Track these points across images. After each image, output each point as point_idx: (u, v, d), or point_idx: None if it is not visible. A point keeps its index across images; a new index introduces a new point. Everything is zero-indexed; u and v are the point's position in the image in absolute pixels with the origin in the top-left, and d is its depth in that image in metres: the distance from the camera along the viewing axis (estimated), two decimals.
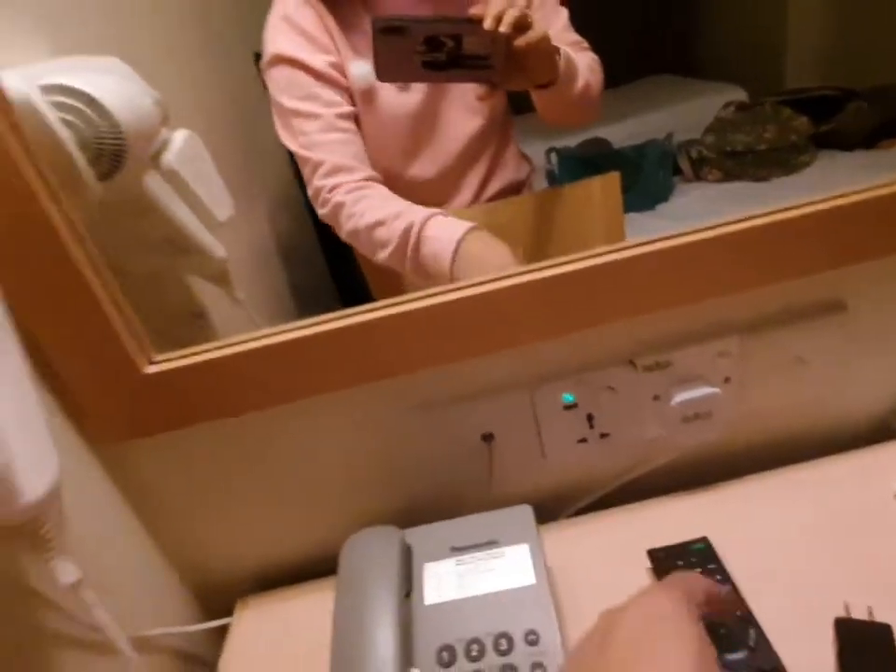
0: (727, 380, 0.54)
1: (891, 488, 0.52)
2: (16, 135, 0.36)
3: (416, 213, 0.65)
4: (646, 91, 1.32)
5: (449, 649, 0.43)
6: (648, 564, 0.50)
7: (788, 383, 0.55)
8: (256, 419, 0.48)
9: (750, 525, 0.51)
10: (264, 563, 0.57)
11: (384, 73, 0.56)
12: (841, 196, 0.48)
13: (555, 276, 0.47)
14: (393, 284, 0.74)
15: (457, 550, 0.48)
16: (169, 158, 0.51)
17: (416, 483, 0.55)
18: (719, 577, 0.47)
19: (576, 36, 0.72)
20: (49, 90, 0.42)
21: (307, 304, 0.91)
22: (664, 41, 1.30)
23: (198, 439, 0.49)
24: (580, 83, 0.66)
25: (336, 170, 0.68)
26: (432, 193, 0.76)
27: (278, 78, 0.67)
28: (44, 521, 0.30)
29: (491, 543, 0.47)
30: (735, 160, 1.22)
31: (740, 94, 1.24)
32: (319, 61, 0.66)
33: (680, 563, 0.49)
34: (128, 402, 0.43)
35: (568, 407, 0.53)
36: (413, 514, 0.52)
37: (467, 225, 0.63)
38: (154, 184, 0.49)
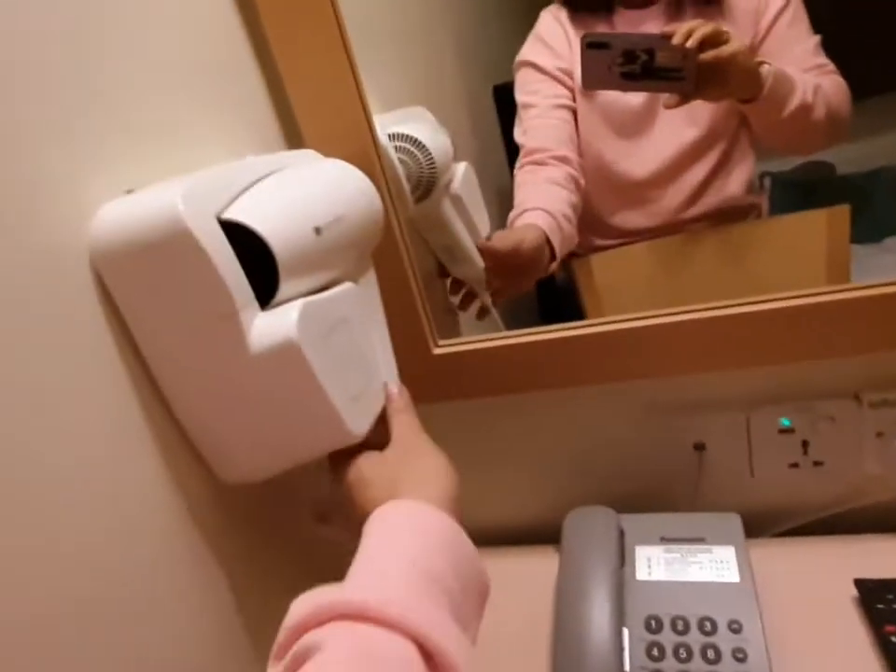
0: None
1: None
2: (382, 168, 0.50)
3: (523, 204, 0.70)
4: (879, 111, 1.23)
5: (656, 619, 0.50)
6: (853, 593, 0.52)
7: None
8: (514, 401, 0.59)
9: None
10: (487, 524, 0.69)
11: (587, 81, 0.66)
12: None
13: (783, 308, 0.51)
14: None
15: (666, 540, 0.54)
16: (455, 186, 0.64)
17: (631, 477, 0.62)
18: None
19: (819, 60, 0.72)
20: (392, 136, 0.56)
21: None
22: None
23: (464, 411, 0.61)
24: (793, 103, 0.67)
25: (529, 151, 0.75)
26: (640, 193, 0.80)
27: (517, 80, 0.78)
28: None
29: (699, 540, 0.53)
30: None
31: None
32: (548, 62, 0.76)
33: (890, 596, 0.50)
34: (419, 375, 0.57)
35: (784, 431, 0.57)
36: (624, 503, 0.59)
37: (528, 223, 0.68)
38: (446, 206, 0.63)
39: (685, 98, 0.65)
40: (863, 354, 0.52)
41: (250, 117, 0.48)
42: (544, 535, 0.63)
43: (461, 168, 0.68)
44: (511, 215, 0.71)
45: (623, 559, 0.53)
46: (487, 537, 0.69)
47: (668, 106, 0.66)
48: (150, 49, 0.38)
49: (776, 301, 0.52)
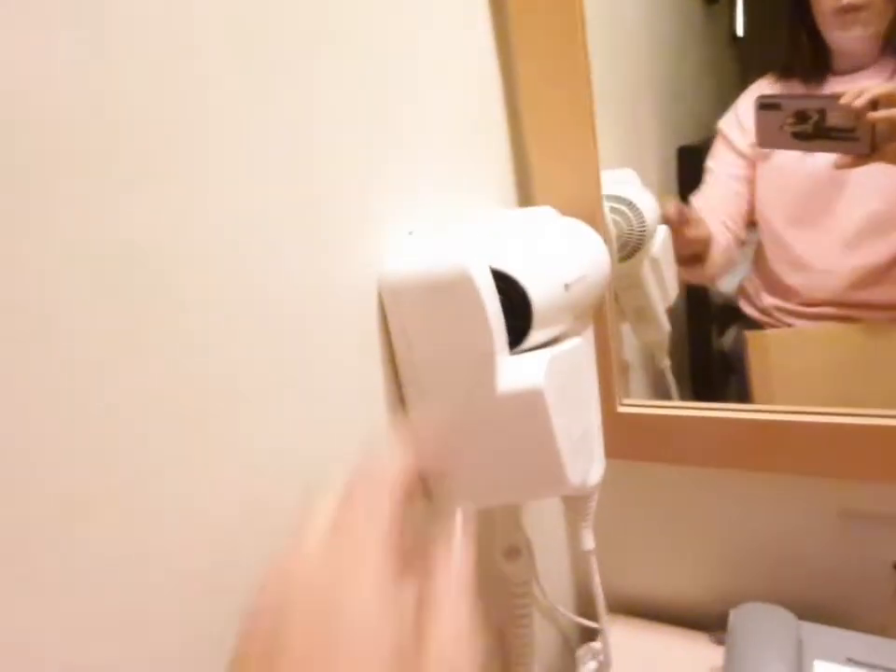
0: None
1: None
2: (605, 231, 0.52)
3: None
4: None
5: None
6: None
7: None
8: (689, 472, 0.58)
9: None
10: (636, 592, 0.67)
11: (762, 140, 0.67)
12: None
13: None
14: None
15: (854, 662, 0.49)
16: (655, 249, 0.65)
17: (814, 583, 0.58)
18: None
19: None
20: (607, 197, 0.58)
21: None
22: None
23: (641, 472, 0.61)
24: None
25: (701, 209, 0.76)
26: (809, 261, 0.78)
27: (714, 145, 0.80)
28: (592, 498, 0.44)
29: (884, 667, 0.48)
30: None
31: None
32: (736, 133, 0.76)
33: None
34: (605, 429, 0.57)
35: None
36: (802, 611, 0.55)
37: None
38: (645, 268, 0.63)
39: (860, 159, 0.65)
40: None
41: (496, 173, 0.51)
42: (701, 621, 0.60)
43: (661, 231, 0.68)
44: None
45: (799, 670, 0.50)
46: (636, 605, 0.67)
47: (840, 167, 0.66)
48: (429, 111, 0.43)
49: None
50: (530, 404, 0.35)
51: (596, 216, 0.51)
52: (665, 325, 0.67)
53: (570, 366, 0.38)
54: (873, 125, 0.62)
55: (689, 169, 1.03)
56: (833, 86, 0.76)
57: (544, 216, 0.45)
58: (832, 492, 0.55)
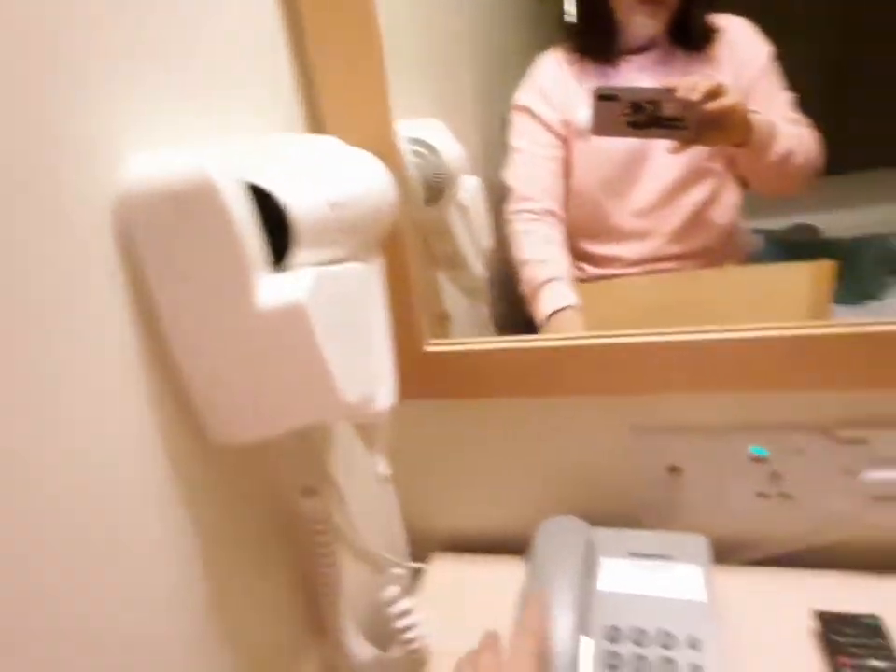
0: None
1: None
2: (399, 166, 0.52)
3: (544, 271, 0.77)
4: (874, 182, 1.29)
5: (616, 630, 0.50)
6: (811, 624, 0.53)
7: None
8: (501, 405, 0.61)
9: None
10: (460, 529, 0.69)
11: (597, 129, 0.71)
12: None
13: (764, 338, 0.54)
14: None
15: (634, 555, 0.55)
16: (464, 196, 0.67)
17: (607, 493, 0.64)
18: (885, 652, 0.49)
19: (795, 114, 0.79)
20: (410, 140, 0.59)
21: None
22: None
23: (447, 411, 0.63)
24: (779, 149, 0.75)
25: (523, 198, 0.81)
26: (631, 228, 0.85)
27: (514, 123, 0.83)
28: (382, 424, 0.44)
29: (665, 557, 0.54)
30: None
31: None
32: (546, 112, 0.81)
33: (848, 630, 0.52)
34: (410, 371, 0.58)
35: (757, 460, 0.59)
36: (596, 519, 0.60)
37: (562, 304, 0.75)
38: (453, 214, 0.65)
39: (687, 144, 0.72)
40: (838, 390, 0.54)
41: (279, 99, 0.50)
42: (518, 544, 0.64)
43: (471, 181, 0.70)
44: (532, 275, 0.78)
45: (589, 570, 0.54)
46: (461, 541, 0.70)
47: (672, 152, 0.73)
48: (189, 14, 0.40)
49: (759, 330, 0.54)
50: (293, 320, 0.34)
51: (389, 152, 0.51)
52: (479, 272, 0.70)
53: (346, 288, 0.38)
54: (697, 114, 0.68)
55: None
56: (621, 65, 0.83)
57: (323, 142, 0.45)
58: (623, 408, 0.60)
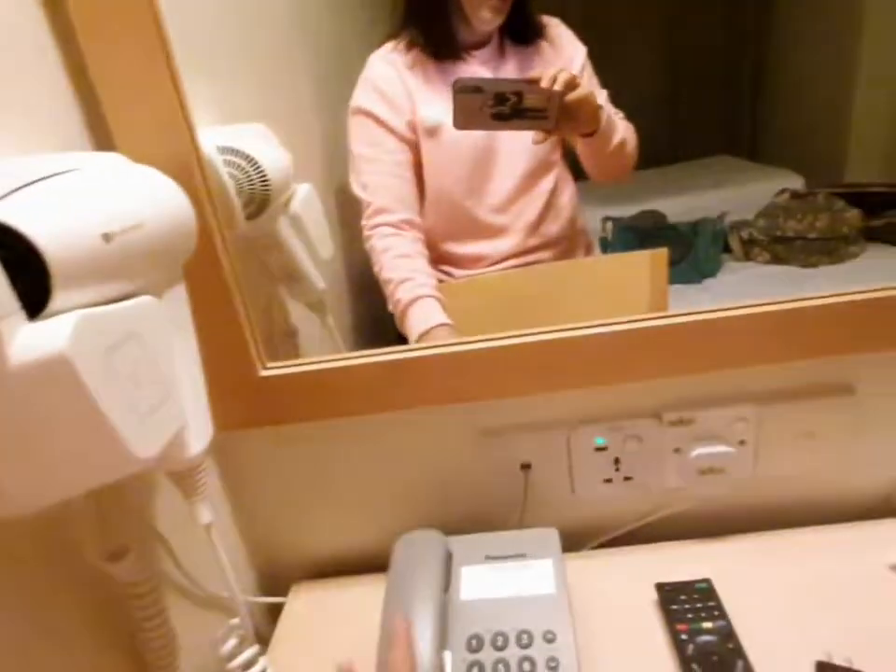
0: (742, 442, 0.61)
1: (886, 561, 0.58)
2: (206, 180, 0.48)
3: (410, 289, 0.77)
4: (709, 169, 1.41)
5: (477, 638, 0.50)
6: (654, 596, 0.57)
7: (798, 453, 0.62)
8: (346, 426, 0.58)
9: (750, 574, 0.58)
10: (322, 553, 0.66)
11: (460, 122, 0.70)
12: (861, 292, 0.56)
13: (593, 336, 0.56)
14: None
15: (491, 558, 0.56)
16: (295, 205, 0.63)
17: (464, 500, 0.64)
18: (716, 613, 0.54)
19: (613, 109, 0.85)
20: (222, 150, 0.54)
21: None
22: (733, 124, 1.39)
23: (292, 436, 0.59)
24: (617, 138, 0.80)
25: (378, 211, 0.80)
26: (491, 224, 0.87)
27: (354, 127, 0.81)
28: (199, 470, 0.40)
29: (520, 556, 0.55)
30: (784, 245, 1.28)
31: (797, 182, 1.30)
32: (389, 115, 0.79)
33: (683, 597, 0.56)
34: (246, 397, 0.54)
35: (599, 449, 0.62)
36: (456, 525, 0.60)
37: (434, 322, 0.75)
38: (283, 225, 0.61)
39: (548, 134, 0.75)
40: (664, 378, 0.58)
41: (52, 111, 0.43)
42: (384, 560, 0.63)
43: (303, 189, 0.67)
44: (398, 295, 0.76)
45: (449, 581, 0.54)
46: (326, 566, 0.67)
47: (536, 142, 0.75)
48: None
49: (589, 328, 0.56)
50: (57, 373, 0.29)
51: (190, 166, 0.47)
52: (318, 283, 0.67)
53: (124, 328, 0.34)
54: (558, 105, 0.70)
55: None
56: (460, 60, 0.83)
57: (102, 161, 0.39)
58: (472, 413, 0.60)
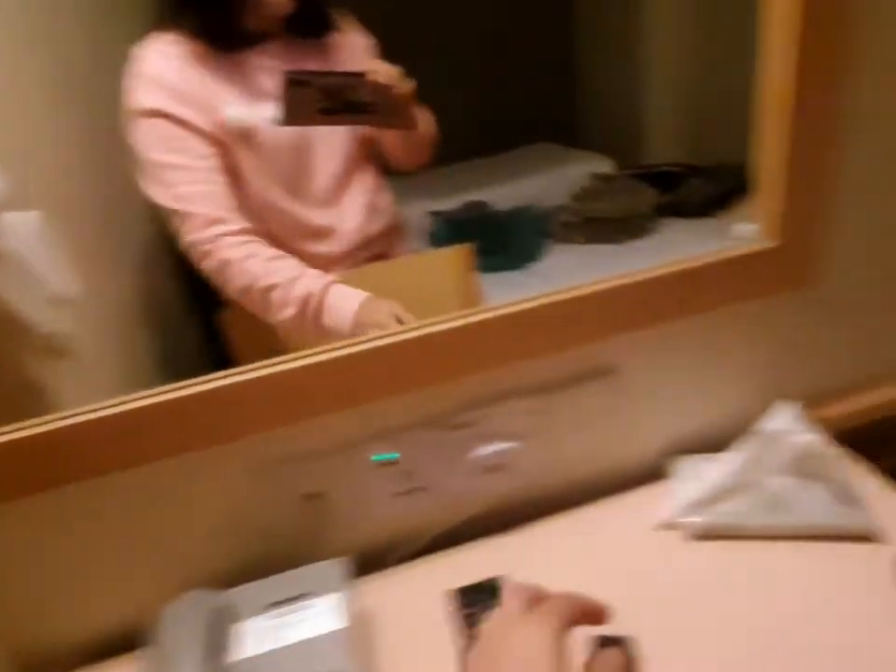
0: (526, 435, 0.63)
1: (651, 521, 0.62)
2: None
3: (314, 280, 0.73)
4: (530, 156, 1.47)
5: None
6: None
7: (576, 436, 0.65)
8: (89, 489, 0.51)
9: (540, 561, 0.60)
10: (87, 639, 0.58)
11: (288, 118, 0.67)
12: (604, 281, 0.59)
13: (358, 353, 0.54)
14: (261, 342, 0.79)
15: (274, 605, 0.52)
16: (4, 242, 0.54)
17: (245, 546, 0.59)
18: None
19: None
20: None
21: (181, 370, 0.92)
22: (549, 112, 1.45)
23: (26, 510, 0.50)
24: (426, 129, 0.81)
25: (211, 222, 0.72)
26: (321, 223, 0.82)
27: (146, 131, 0.71)
28: None
29: (305, 595, 0.52)
30: (595, 225, 1.37)
31: (607, 165, 1.38)
32: (190, 114, 0.71)
33: (476, 600, 0.55)
34: None
35: (389, 464, 0.60)
36: (247, 572, 0.55)
37: (362, 295, 0.72)
38: None
39: (378, 128, 0.75)
40: (441, 383, 0.57)
41: None
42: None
43: (21, 219, 0.57)
44: (301, 289, 0.72)
45: (224, 642, 0.49)
46: (93, 651, 0.58)
47: (366, 137, 0.75)
48: None
49: (346, 347, 0.54)
50: None
51: None
52: (51, 327, 0.58)
53: None
54: (384, 99, 0.68)
55: None
56: (248, 53, 0.76)
57: None
58: (231, 454, 0.56)
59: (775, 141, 0.56)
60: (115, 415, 0.49)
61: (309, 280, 0.73)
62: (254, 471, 0.57)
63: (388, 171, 0.89)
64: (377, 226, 0.89)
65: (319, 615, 0.51)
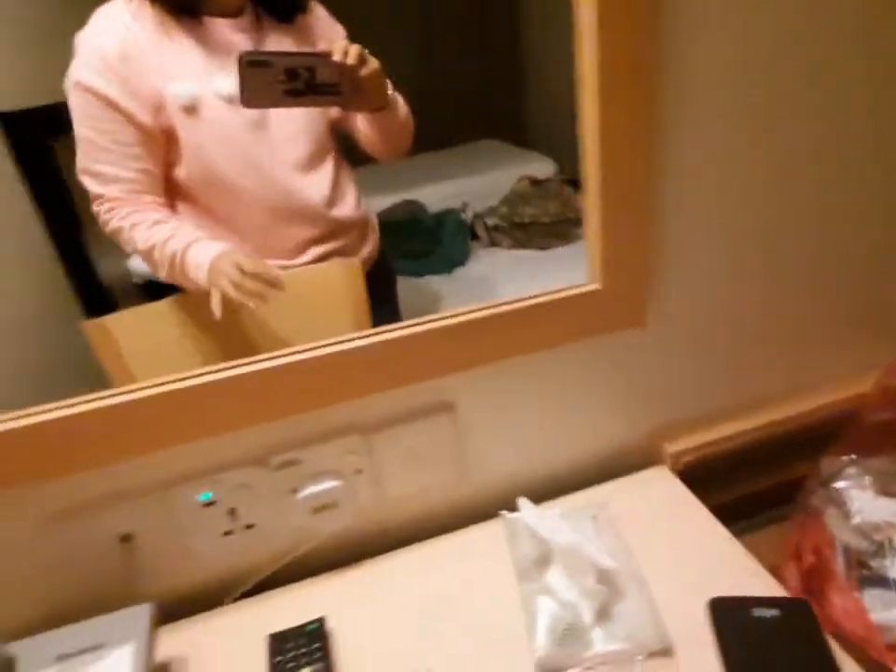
0: (358, 472, 0.62)
1: (483, 561, 0.62)
2: None
3: (179, 241, 0.74)
4: (473, 154, 1.43)
5: None
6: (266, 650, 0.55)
7: (412, 474, 0.65)
8: None
9: (364, 602, 0.59)
10: None
11: (249, 100, 0.65)
12: (438, 319, 0.59)
13: (171, 392, 0.52)
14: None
15: (63, 657, 0.49)
16: None
17: (53, 595, 0.56)
18: (317, 655, 0.53)
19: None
20: None
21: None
22: (502, 110, 1.42)
23: None
24: (403, 112, 0.81)
25: (110, 200, 0.73)
26: (276, 207, 0.80)
27: (76, 103, 0.70)
28: None
29: (97, 647, 0.50)
30: (522, 230, 1.35)
31: (549, 167, 1.34)
32: (124, 98, 0.69)
33: (292, 644, 0.54)
34: None
35: (207, 504, 0.58)
36: (59, 619, 0.53)
37: (218, 249, 0.73)
38: None
39: (345, 109, 0.74)
40: (268, 421, 0.56)
41: None
42: None
43: None
44: (170, 247, 0.73)
45: None
46: None
47: (335, 118, 0.75)
48: None
49: (162, 385, 0.52)
50: None
51: None
52: None
53: None
54: (350, 79, 0.66)
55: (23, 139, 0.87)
56: (211, 28, 0.74)
57: None
58: (35, 498, 0.53)
59: (591, 199, 0.58)
60: None
61: (176, 241, 0.74)
62: (63, 514, 0.54)
63: (363, 160, 0.87)
64: (343, 213, 0.87)
65: (110, 668, 0.49)
